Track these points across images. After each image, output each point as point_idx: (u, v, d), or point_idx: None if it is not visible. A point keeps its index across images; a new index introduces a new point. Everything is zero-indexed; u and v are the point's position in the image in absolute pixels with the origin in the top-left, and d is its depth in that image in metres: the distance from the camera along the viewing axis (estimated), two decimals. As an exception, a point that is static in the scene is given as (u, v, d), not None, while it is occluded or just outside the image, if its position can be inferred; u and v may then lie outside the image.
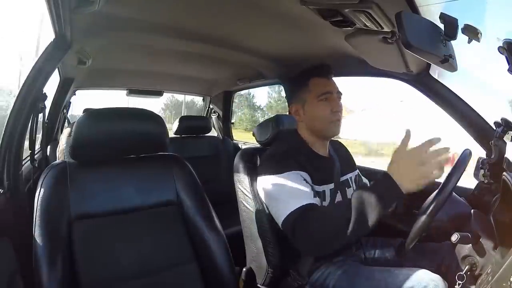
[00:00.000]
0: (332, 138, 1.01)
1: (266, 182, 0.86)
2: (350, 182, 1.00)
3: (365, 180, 1.11)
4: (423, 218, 0.68)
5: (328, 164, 0.96)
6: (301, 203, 0.77)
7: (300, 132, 0.97)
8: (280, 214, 0.80)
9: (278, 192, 0.83)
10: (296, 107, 0.96)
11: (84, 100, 2.50)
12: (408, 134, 0.69)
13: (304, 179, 0.84)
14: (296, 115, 0.96)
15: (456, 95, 1.06)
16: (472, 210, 0.79)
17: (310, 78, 0.93)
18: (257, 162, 0.99)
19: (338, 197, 0.94)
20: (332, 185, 0.92)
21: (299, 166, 0.85)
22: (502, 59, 0.65)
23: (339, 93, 0.93)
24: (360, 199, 0.69)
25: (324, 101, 0.90)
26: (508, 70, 0.67)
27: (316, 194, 0.87)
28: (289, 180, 0.82)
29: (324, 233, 0.73)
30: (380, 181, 0.69)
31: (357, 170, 1.08)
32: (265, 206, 0.91)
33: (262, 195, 0.90)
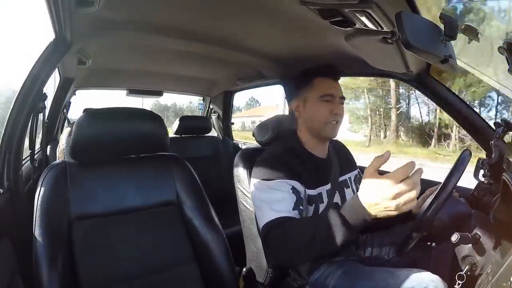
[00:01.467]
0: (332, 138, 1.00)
1: (255, 185, 0.87)
2: (349, 182, 1.00)
3: None
4: (423, 218, 0.68)
5: (324, 165, 0.95)
6: (278, 214, 0.78)
7: (299, 132, 0.97)
8: (260, 221, 0.82)
9: (263, 199, 0.83)
10: (297, 103, 0.95)
11: (78, 101, 2.48)
12: (385, 157, 0.61)
13: (292, 188, 0.82)
14: (296, 111, 0.96)
15: (456, 95, 1.06)
16: (472, 210, 0.80)
17: (315, 77, 0.93)
18: None
19: (337, 198, 0.93)
20: (328, 186, 0.92)
21: (291, 172, 0.84)
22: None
23: (342, 98, 0.93)
24: (327, 219, 0.67)
25: (325, 102, 0.90)
26: (508, 70, 0.67)
27: (311, 198, 0.87)
28: (276, 189, 0.82)
29: (290, 248, 0.74)
30: (348, 204, 0.67)
31: (358, 170, 1.08)
32: None
33: (251, 196, 0.90)
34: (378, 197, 0.59)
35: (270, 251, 0.79)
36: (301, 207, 0.83)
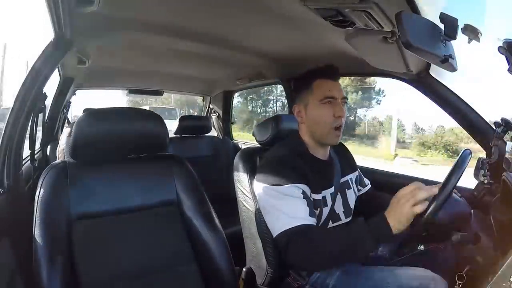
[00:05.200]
0: None
1: (263, 190, 0.85)
2: (351, 183, 1.00)
3: (366, 181, 1.11)
4: (423, 218, 0.68)
5: (327, 167, 0.94)
6: (297, 222, 0.77)
7: (301, 134, 0.95)
8: (276, 227, 0.80)
9: (275, 205, 0.82)
10: (298, 108, 0.93)
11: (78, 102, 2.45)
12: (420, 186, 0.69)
13: (303, 192, 0.82)
14: (298, 116, 0.93)
15: (456, 95, 1.06)
16: (472, 210, 0.80)
17: (314, 80, 0.89)
18: (257, 162, 0.98)
19: (339, 200, 0.93)
20: (332, 189, 0.91)
21: (298, 176, 0.83)
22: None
23: (344, 98, 0.89)
24: (354, 234, 0.72)
25: (327, 104, 0.87)
26: (508, 70, 0.67)
27: (316, 202, 0.86)
28: (288, 195, 0.80)
29: (314, 257, 0.76)
30: (375, 221, 0.70)
31: (358, 170, 1.08)
32: None
33: (259, 200, 0.89)
34: (401, 209, 0.66)
35: (292, 257, 0.78)
36: (315, 212, 0.83)
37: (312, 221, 0.80)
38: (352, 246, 0.71)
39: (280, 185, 0.81)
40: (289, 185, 0.81)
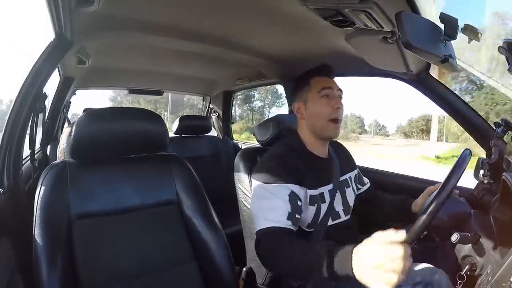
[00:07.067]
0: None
1: (255, 187, 0.86)
2: (350, 182, 1.00)
3: (365, 179, 1.11)
4: (423, 218, 0.68)
5: (326, 165, 0.96)
6: (271, 223, 0.77)
7: (300, 132, 0.97)
8: (255, 224, 0.81)
9: (258, 205, 0.83)
10: (298, 105, 0.96)
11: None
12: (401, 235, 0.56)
13: (291, 193, 0.81)
14: (298, 112, 0.96)
15: (456, 95, 1.06)
16: (472, 210, 0.80)
17: (311, 77, 0.94)
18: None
19: (338, 197, 0.94)
20: (330, 186, 0.92)
21: (290, 176, 0.83)
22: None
23: (340, 91, 0.93)
24: (315, 255, 0.65)
25: (325, 98, 0.91)
26: (508, 70, 0.68)
27: (312, 198, 0.87)
28: (272, 195, 0.81)
29: (276, 263, 0.75)
30: (340, 255, 0.61)
31: (357, 169, 1.08)
32: None
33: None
34: (370, 263, 0.55)
35: (260, 258, 0.79)
36: (296, 216, 0.81)
37: (287, 224, 0.78)
38: (309, 266, 0.66)
39: (269, 183, 0.83)
40: (278, 184, 0.82)
